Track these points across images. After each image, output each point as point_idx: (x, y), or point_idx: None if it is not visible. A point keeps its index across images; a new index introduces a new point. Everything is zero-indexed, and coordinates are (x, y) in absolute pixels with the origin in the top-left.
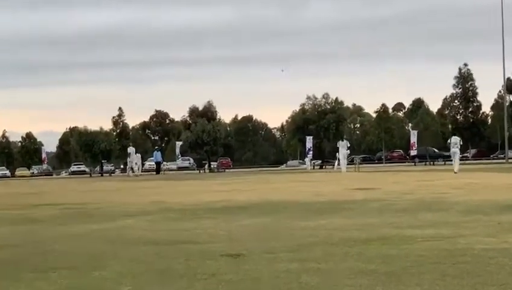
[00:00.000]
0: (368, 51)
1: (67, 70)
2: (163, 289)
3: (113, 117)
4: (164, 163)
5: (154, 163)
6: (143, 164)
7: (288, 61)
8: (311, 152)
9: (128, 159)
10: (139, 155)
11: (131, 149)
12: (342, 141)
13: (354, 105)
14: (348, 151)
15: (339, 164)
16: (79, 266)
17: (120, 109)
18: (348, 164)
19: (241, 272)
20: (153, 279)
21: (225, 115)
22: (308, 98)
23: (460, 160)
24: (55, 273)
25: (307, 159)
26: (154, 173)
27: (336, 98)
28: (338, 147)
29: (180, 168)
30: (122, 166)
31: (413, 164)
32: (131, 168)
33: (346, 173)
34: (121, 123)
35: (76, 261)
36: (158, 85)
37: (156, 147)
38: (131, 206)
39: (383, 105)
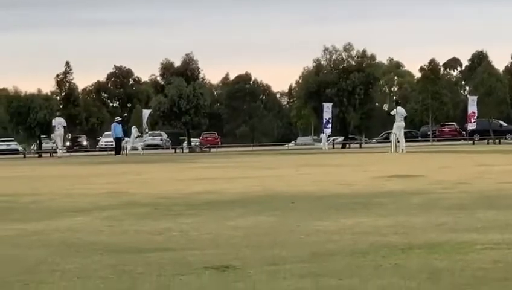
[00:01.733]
0: None
1: None
2: None
3: (57, 75)
4: (126, 139)
5: (112, 139)
6: (97, 140)
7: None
8: (329, 125)
9: (57, 133)
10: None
11: (58, 120)
12: (398, 106)
13: (390, 60)
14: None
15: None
16: (7, 282)
17: (67, 64)
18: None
19: None
20: None
21: (211, 74)
22: (326, 50)
23: None
24: None
25: (323, 135)
26: (113, 153)
27: (364, 51)
28: (393, 116)
29: (148, 147)
30: (68, 143)
31: (470, 142)
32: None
33: (402, 154)
34: (68, 84)
35: (2, 275)
36: (117, 32)
37: (116, 118)
38: (81, 199)
39: (432, 61)
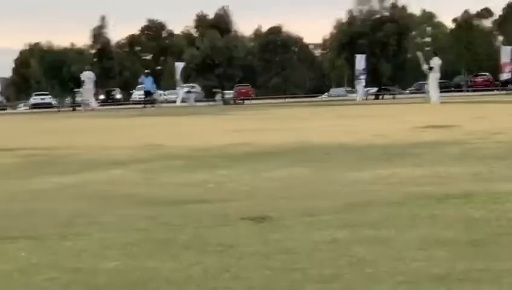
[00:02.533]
0: None
1: None
2: (163, 266)
3: (93, 29)
4: (160, 92)
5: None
6: (130, 93)
7: None
8: (363, 76)
9: (85, 88)
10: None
11: (87, 75)
12: (435, 57)
13: (423, 11)
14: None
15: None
16: (45, 235)
17: (103, 18)
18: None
19: (268, 243)
20: (148, 252)
21: (244, 26)
22: (360, 0)
23: None
24: (12, 245)
25: (358, 86)
26: (143, 105)
27: (395, 1)
28: (429, 68)
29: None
30: (102, 96)
31: (504, 92)
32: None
33: (437, 104)
34: (103, 38)
35: (40, 228)
36: None
37: (146, 71)
38: (118, 152)
39: (465, 12)
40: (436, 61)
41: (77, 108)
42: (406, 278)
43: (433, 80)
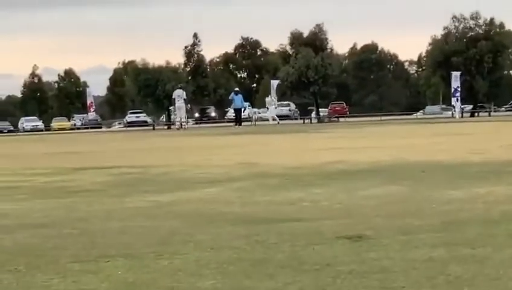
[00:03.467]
0: None
1: None
2: (260, 285)
3: (186, 47)
4: (255, 111)
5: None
6: (225, 111)
7: None
8: (458, 93)
9: (176, 106)
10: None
11: (178, 93)
12: None
13: None
14: None
15: None
16: (141, 253)
17: (195, 35)
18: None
19: (365, 261)
20: (244, 271)
21: (339, 44)
22: (454, 18)
23: None
24: (108, 263)
25: (457, 104)
26: (234, 124)
27: (492, 19)
28: None
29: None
30: (197, 114)
31: None
32: (180, 121)
33: None
34: (196, 55)
35: (137, 247)
36: (245, 2)
37: (236, 90)
38: (212, 170)
39: None
40: None
41: (172, 126)
42: None
43: None
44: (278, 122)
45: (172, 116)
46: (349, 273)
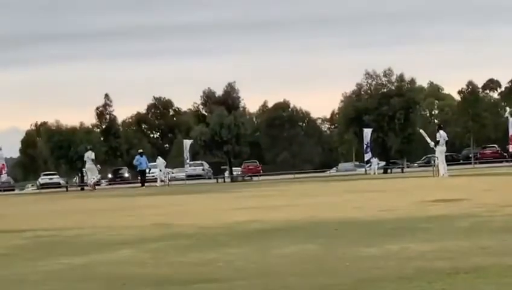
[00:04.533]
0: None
1: (29, 45)
2: None
3: (97, 108)
4: (168, 170)
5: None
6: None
7: (337, 24)
8: (369, 149)
9: (87, 167)
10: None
11: (87, 155)
12: (440, 130)
13: (430, 84)
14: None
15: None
16: None
17: (107, 96)
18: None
19: None
20: None
21: (250, 102)
22: (368, 75)
23: None
24: None
25: (374, 160)
26: (140, 185)
27: (401, 75)
28: (436, 143)
29: (190, 177)
30: (110, 175)
31: None
32: (93, 181)
33: (445, 178)
34: (108, 116)
35: None
36: (156, 62)
37: (140, 151)
38: (126, 232)
39: (470, 83)
40: (441, 134)
41: (85, 187)
42: None
43: (440, 153)
44: (168, 184)
45: (85, 178)
46: None
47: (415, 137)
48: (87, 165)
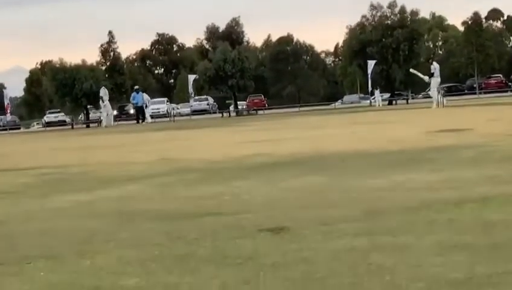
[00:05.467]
0: None
1: None
2: (182, 281)
3: (101, 45)
4: (173, 106)
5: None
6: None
7: None
8: (372, 81)
9: (102, 105)
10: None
11: (105, 92)
12: (433, 62)
13: (433, 15)
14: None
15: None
16: (63, 254)
17: (110, 33)
18: (425, 96)
19: (287, 253)
20: (167, 267)
21: (255, 37)
22: (373, 7)
23: None
24: (30, 265)
25: (376, 92)
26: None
27: (403, 6)
28: (431, 75)
29: (195, 112)
30: (115, 111)
31: None
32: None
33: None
34: (112, 53)
35: (58, 247)
36: None
37: (136, 88)
38: (133, 167)
39: (475, 14)
40: (435, 66)
41: (91, 125)
42: (426, 285)
43: (435, 84)
44: (149, 122)
45: (92, 115)
46: (272, 266)
47: (419, 68)
48: (105, 102)
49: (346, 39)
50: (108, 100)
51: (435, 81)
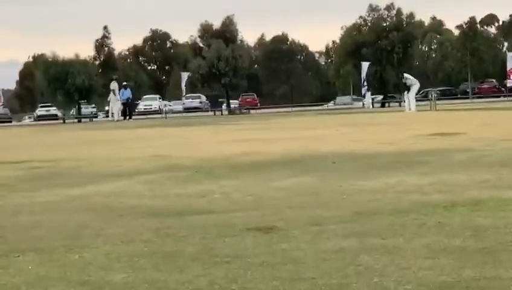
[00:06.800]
0: None
1: None
2: (170, 278)
3: (96, 40)
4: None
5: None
6: (136, 104)
7: None
8: (366, 83)
9: (112, 98)
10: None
11: (114, 85)
12: (404, 74)
13: (433, 19)
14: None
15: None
16: (52, 247)
17: (105, 28)
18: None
19: (275, 253)
20: (155, 264)
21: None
22: (372, 8)
23: None
24: (19, 258)
25: (367, 94)
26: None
27: (399, 9)
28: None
29: (187, 109)
30: (107, 108)
31: (511, 98)
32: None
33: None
34: (106, 48)
35: (47, 241)
36: None
37: (124, 84)
38: (123, 163)
39: (471, 19)
40: (407, 76)
41: (82, 120)
42: (414, 287)
43: (414, 90)
44: (117, 120)
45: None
46: (260, 265)
47: (412, 72)
48: (116, 96)
49: (341, 39)
50: (99, 96)
51: (416, 87)
